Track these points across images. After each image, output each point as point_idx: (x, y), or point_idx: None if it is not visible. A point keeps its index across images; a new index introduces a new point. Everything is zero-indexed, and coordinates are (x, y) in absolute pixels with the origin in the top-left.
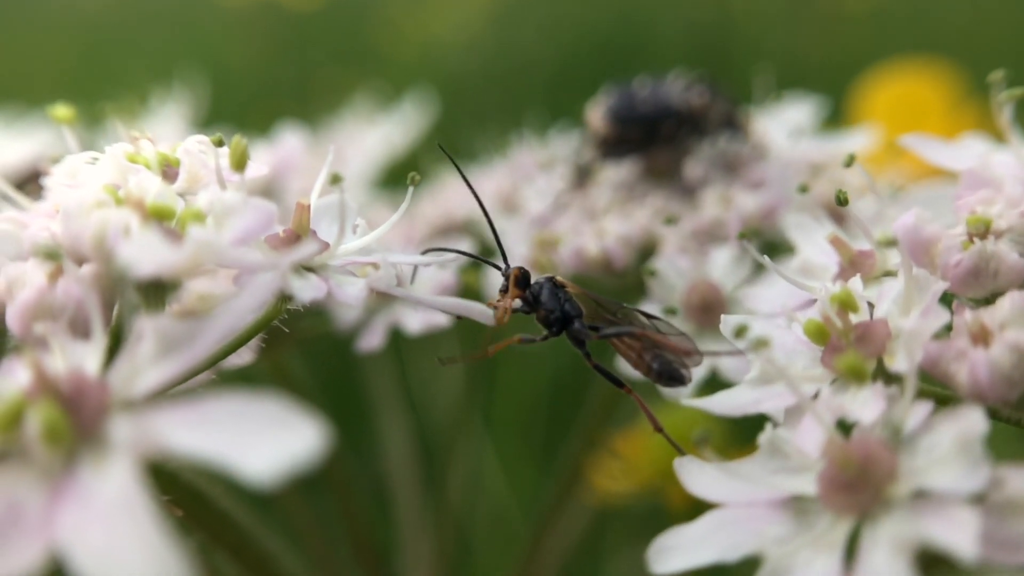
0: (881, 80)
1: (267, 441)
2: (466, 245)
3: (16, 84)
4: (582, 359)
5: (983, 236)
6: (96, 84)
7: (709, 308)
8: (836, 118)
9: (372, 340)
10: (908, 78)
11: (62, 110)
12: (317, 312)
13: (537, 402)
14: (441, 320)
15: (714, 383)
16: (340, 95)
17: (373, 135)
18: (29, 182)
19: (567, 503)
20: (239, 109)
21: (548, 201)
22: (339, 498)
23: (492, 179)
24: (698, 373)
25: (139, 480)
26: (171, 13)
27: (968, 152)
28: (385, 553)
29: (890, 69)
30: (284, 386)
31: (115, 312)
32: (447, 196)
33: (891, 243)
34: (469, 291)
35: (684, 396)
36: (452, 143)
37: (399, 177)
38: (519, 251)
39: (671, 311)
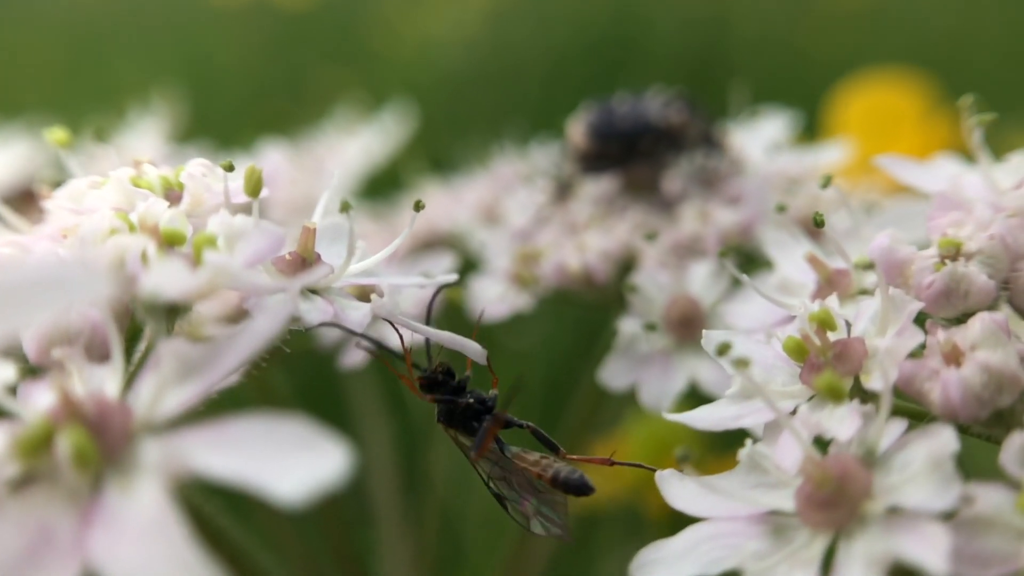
0: (855, 89)
1: (295, 463)
2: (450, 259)
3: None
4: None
5: (954, 258)
6: (84, 83)
7: (688, 322)
8: (811, 127)
9: (355, 357)
10: (882, 87)
11: (59, 133)
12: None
13: (529, 400)
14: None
15: (694, 396)
16: (334, 95)
17: (353, 146)
18: (17, 199)
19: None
20: (232, 110)
21: (529, 215)
22: (319, 502)
23: (473, 190)
24: (677, 386)
25: (170, 502)
26: (162, 11)
27: (940, 173)
28: (365, 557)
29: (864, 78)
30: (260, 390)
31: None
32: (429, 208)
33: (868, 266)
34: (452, 308)
35: (665, 409)
36: (439, 148)
37: (380, 187)
38: (501, 264)
39: (651, 327)
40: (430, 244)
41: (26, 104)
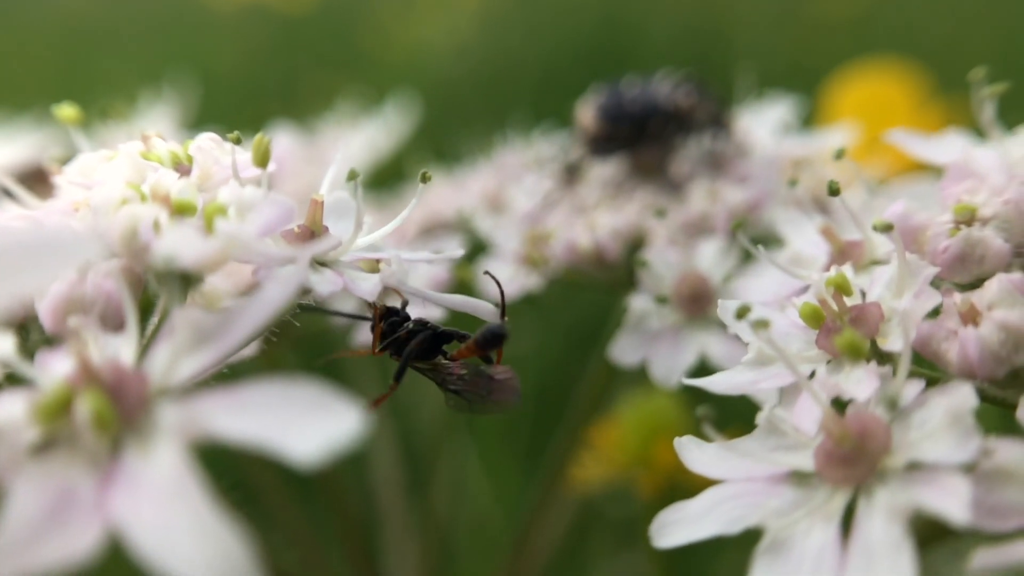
0: (849, 80)
1: (311, 425)
2: (456, 243)
3: None
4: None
5: (969, 223)
6: (80, 87)
7: (698, 299)
8: (807, 118)
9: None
10: (875, 78)
11: (67, 110)
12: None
13: (522, 405)
14: (436, 314)
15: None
16: (328, 100)
17: (357, 139)
18: (25, 182)
19: (551, 503)
20: (227, 114)
21: (537, 198)
22: (329, 499)
23: (478, 179)
24: (687, 360)
25: (189, 464)
26: (158, 16)
27: (951, 146)
28: (374, 554)
29: (858, 70)
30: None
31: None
32: (434, 198)
33: (887, 227)
34: (462, 286)
35: (674, 383)
36: (438, 146)
37: (385, 179)
38: (510, 246)
39: (662, 300)
40: (435, 230)
41: (23, 104)
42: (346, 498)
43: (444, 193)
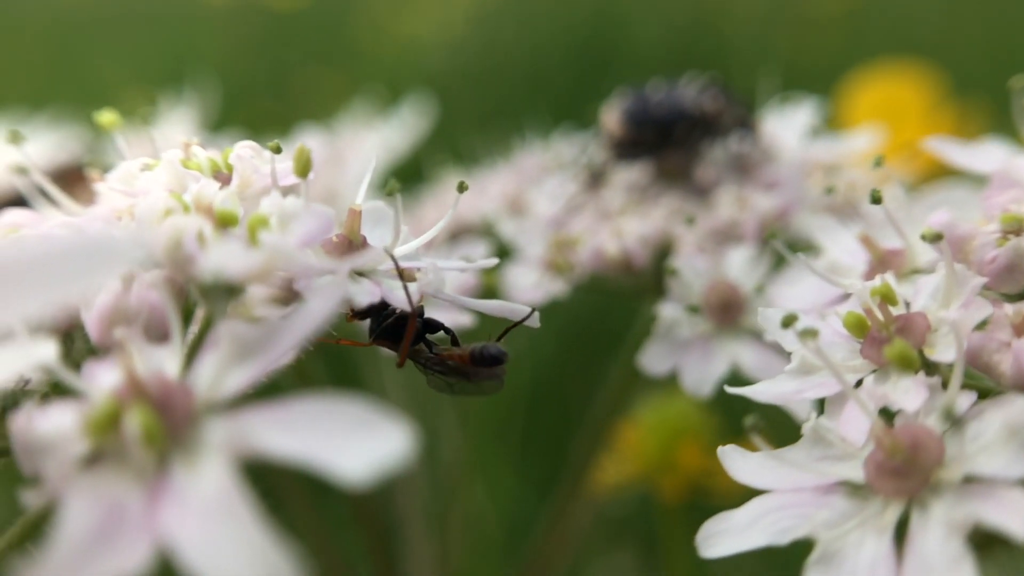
0: (862, 83)
1: (358, 443)
2: (484, 246)
3: None
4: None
5: (1017, 233)
6: (71, 84)
7: (728, 307)
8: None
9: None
10: (888, 81)
11: (107, 116)
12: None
13: (515, 404)
14: (465, 320)
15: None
16: (321, 95)
17: (373, 139)
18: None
19: (572, 509)
20: (220, 109)
21: (561, 203)
22: (352, 505)
23: (496, 182)
24: (719, 370)
25: (236, 480)
26: (148, 11)
27: (991, 155)
28: (395, 560)
29: (871, 72)
30: (298, 377)
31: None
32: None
33: (937, 237)
34: (489, 291)
35: (709, 387)
36: (447, 145)
37: (401, 180)
38: (535, 251)
39: (693, 310)
40: (457, 234)
41: (12, 101)
42: (368, 503)
43: (464, 196)
